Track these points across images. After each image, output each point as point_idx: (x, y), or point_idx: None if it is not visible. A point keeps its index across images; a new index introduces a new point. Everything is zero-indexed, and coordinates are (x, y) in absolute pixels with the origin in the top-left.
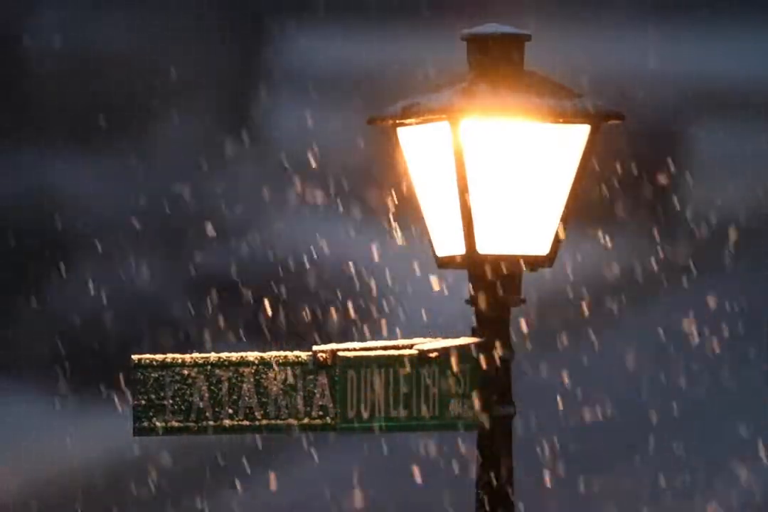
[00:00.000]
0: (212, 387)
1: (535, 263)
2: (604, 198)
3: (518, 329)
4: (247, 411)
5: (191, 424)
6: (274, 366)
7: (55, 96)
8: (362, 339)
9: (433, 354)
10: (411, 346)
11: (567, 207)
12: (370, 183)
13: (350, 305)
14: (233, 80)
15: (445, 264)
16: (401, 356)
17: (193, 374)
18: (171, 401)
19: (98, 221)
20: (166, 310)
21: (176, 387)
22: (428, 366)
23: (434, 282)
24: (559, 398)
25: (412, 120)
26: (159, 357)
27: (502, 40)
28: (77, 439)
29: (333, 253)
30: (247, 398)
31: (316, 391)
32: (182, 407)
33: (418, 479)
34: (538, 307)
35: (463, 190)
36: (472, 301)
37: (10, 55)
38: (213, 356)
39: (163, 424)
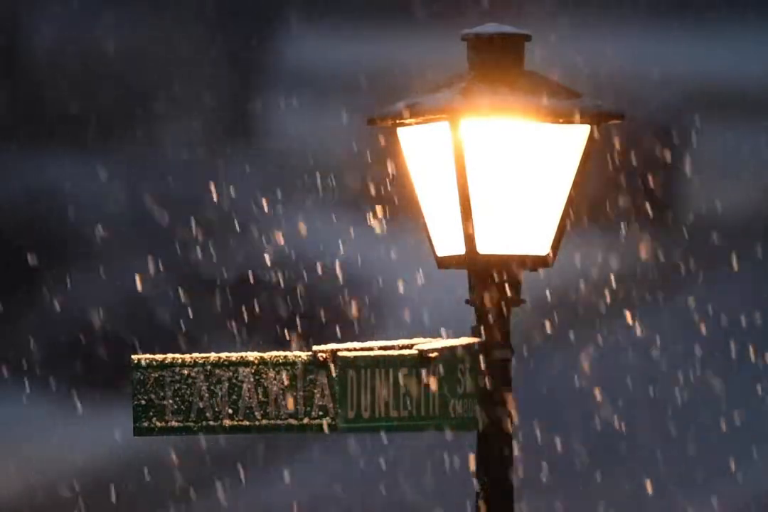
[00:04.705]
0: (212, 387)
1: (535, 263)
2: (602, 197)
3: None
4: (247, 411)
5: (191, 424)
6: (274, 366)
7: (54, 96)
8: (362, 339)
9: (433, 354)
10: (411, 346)
11: (566, 207)
12: (370, 183)
13: (349, 305)
14: (233, 80)
15: (445, 264)
16: (401, 356)
17: (193, 374)
18: (171, 401)
19: (98, 221)
20: (166, 311)
21: (176, 387)
22: (428, 366)
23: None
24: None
25: (412, 120)
26: (159, 357)
27: (502, 40)
28: (77, 440)
29: (333, 252)
30: (247, 398)
31: (316, 391)
32: (182, 407)
33: (418, 479)
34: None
35: (463, 190)
36: (472, 301)
37: (10, 55)
38: (213, 356)
39: (163, 424)
